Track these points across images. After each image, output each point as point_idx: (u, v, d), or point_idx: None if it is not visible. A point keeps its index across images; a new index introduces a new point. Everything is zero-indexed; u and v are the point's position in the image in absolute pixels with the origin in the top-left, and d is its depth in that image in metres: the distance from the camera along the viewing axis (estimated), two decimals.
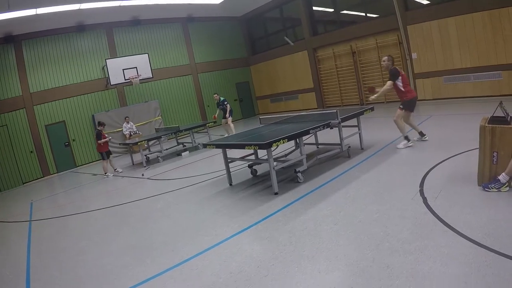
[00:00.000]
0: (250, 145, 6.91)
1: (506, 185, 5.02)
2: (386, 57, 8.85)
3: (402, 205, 5.39)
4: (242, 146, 7.16)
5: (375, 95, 8.65)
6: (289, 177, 7.97)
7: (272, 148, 6.84)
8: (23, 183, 16.31)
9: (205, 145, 8.35)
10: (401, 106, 8.64)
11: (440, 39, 14.76)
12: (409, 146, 8.54)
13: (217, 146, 8.14)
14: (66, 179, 15.47)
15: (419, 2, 15.71)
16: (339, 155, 8.97)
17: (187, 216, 7.12)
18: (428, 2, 15.44)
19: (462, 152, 7.22)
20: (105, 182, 12.62)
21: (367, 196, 6.10)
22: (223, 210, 6.93)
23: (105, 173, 13.41)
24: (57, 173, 17.52)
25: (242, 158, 8.52)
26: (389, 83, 8.56)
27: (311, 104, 21.70)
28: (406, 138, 8.63)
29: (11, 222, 9.53)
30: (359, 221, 5.17)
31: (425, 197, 5.44)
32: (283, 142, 6.90)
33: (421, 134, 8.88)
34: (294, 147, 9.67)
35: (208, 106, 23.18)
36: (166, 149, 15.03)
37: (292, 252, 4.64)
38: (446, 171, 6.49)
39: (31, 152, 16.88)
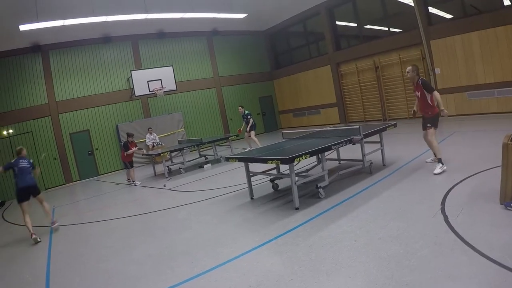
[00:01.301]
0: (273, 159, 6.95)
1: None
2: (410, 67, 8.20)
3: (423, 222, 5.35)
4: (264, 161, 7.21)
5: (444, 112, 7.90)
6: (311, 192, 7.97)
7: (294, 163, 6.86)
8: (46, 189, 16.59)
9: (227, 159, 8.42)
10: (429, 124, 8.03)
11: (464, 54, 14.66)
12: (445, 171, 7.76)
13: (240, 160, 8.22)
14: (89, 187, 15.70)
15: (442, 17, 15.67)
16: (361, 171, 8.93)
17: (207, 228, 7.16)
18: (451, 16, 15.36)
19: (485, 170, 7.14)
20: (127, 191, 12.79)
21: (388, 213, 6.07)
22: (243, 224, 6.97)
23: (133, 181, 13.63)
24: (79, 180, 17.83)
25: (264, 172, 8.55)
26: (436, 93, 7.94)
27: (333, 119, 21.68)
28: (440, 160, 7.88)
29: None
30: (379, 238, 5.15)
31: (446, 215, 5.40)
32: (305, 158, 6.93)
33: (441, 161, 7.94)
34: (316, 162, 9.67)
35: (231, 119, 23.34)
36: (188, 161, 15.14)
37: (312, 267, 4.64)
38: (468, 188, 6.43)
39: (55, 159, 17.25)
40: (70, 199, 13.55)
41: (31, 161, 9.23)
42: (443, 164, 7.82)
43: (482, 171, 7.16)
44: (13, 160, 9.03)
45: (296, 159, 6.71)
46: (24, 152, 9.31)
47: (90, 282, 5.52)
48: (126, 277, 5.45)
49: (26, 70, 16.85)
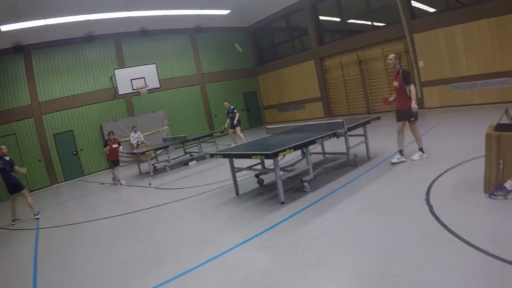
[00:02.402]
0: (257, 155, 6.92)
1: None
2: (393, 55, 8.12)
3: (409, 214, 5.37)
4: (248, 156, 7.18)
5: (414, 106, 7.79)
6: (296, 187, 7.96)
7: (279, 158, 6.83)
8: (31, 191, 16.29)
9: (212, 155, 8.37)
10: (412, 118, 7.97)
11: (447, 47, 14.76)
12: (423, 157, 8.13)
13: (224, 156, 8.17)
14: (74, 188, 15.55)
15: (425, 10, 15.75)
16: (345, 164, 8.95)
17: (193, 225, 7.11)
18: (434, 10, 15.45)
19: (469, 160, 7.18)
20: (112, 191, 12.68)
21: (373, 205, 6.08)
22: (229, 220, 6.94)
23: (118, 180, 13.50)
24: (64, 181, 17.64)
25: (249, 168, 8.52)
26: (412, 87, 7.84)
27: (318, 113, 21.73)
28: (421, 149, 8.24)
29: (19, 229, 9.57)
30: (365, 230, 5.16)
31: (432, 206, 5.42)
32: (290, 152, 6.91)
33: (402, 152, 8.34)
34: (300, 157, 9.66)
35: (216, 116, 23.28)
36: (173, 159, 15.06)
37: (298, 261, 4.62)
38: (452, 179, 6.46)
39: (39, 160, 17.02)
40: (56, 201, 13.39)
41: (8, 158, 9.40)
42: (423, 153, 8.19)
43: (466, 161, 7.20)
44: None
45: (281, 153, 6.67)
46: (3, 150, 9.59)
47: (76, 284, 5.44)
48: (112, 277, 5.38)
49: (8, 71, 16.57)
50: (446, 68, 15.02)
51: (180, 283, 4.74)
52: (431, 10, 15.62)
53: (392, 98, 8.53)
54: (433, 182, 6.47)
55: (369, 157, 9.23)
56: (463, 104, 14.53)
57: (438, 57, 15.17)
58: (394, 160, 8.21)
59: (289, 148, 6.85)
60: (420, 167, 7.66)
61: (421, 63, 15.78)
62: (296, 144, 7.13)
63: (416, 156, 8.17)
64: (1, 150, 10.04)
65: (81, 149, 18.33)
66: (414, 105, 7.78)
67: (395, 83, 8.14)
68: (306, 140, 7.40)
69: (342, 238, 5.07)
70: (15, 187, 10.36)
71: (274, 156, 6.57)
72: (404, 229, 4.91)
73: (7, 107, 16.48)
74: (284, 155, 6.81)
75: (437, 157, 8.06)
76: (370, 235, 4.97)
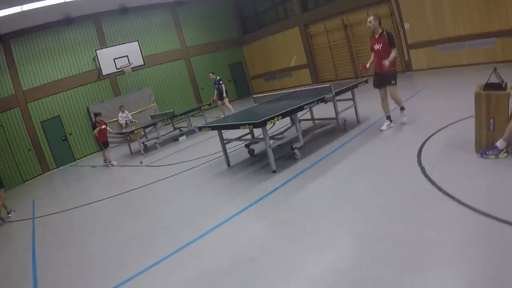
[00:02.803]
0: (245, 124, 6.86)
1: (504, 151, 4.97)
2: (372, 17, 7.65)
3: (401, 175, 5.38)
4: (237, 127, 7.13)
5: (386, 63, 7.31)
6: (287, 155, 7.94)
7: (268, 127, 6.78)
8: (24, 181, 16.28)
9: (200, 128, 8.31)
10: (393, 81, 7.62)
11: (433, 7, 14.53)
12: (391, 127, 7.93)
13: (212, 128, 8.09)
14: (66, 174, 15.47)
15: None
16: (335, 130, 8.91)
17: (187, 200, 7.13)
18: None
19: (459, 120, 7.13)
20: (104, 173, 12.64)
21: (365, 168, 6.09)
22: (222, 192, 6.95)
23: (109, 162, 13.42)
24: (56, 168, 17.49)
25: (238, 139, 8.47)
26: (395, 51, 7.46)
27: (305, 80, 21.58)
28: (403, 108, 7.95)
29: (14, 221, 9.53)
30: (359, 193, 5.17)
31: (423, 167, 5.40)
32: (278, 120, 6.85)
33: (389, 118, 8.11)
34: (290, 124, 9.62)
35: (203, 89, 23.07)
36: (163, 135, 14.99)
37: (294, 228, 4.65)
38: (443, 140, 6.43)
39: (29, 149, 16.81)
40: (49, 188, 13.33)
41: None
42: (404, 109, 7.97)
43: (456, 121, 7.13)
44: None
45: (269, 121, 6.62)
46: None
47: (77, 269, 5.44)
48: (111, 259, 5.40)
49: None
50: (432, 30, 14.82)
51: (177, 258, 4.76)
52: None
53: (368, 65, 7.90)
54: (423, 143, 6.44)
55: (358, 121, 9.19)
56: (450, 65, 14.38)
57: (424, 18, 14.95)
58: (384, 127, 7.98)
59: (277, 116, 6.79)
60: (410, 129, 7.62)
61: (407, 25, 15.60)
62: (284, 111, 7.06)
63: (404, 118, 7.92)
64: None
65: (70, 134, 18.12)
66: (386, 61, 7.31)
67: (377, 46, 7.69)
68: (294, 107, 7.33)
69: (336, 202, 5.09)
70: None
71: (262, 124, 6.52)
72: (397, 190, 4.93)
73: None
74: (273, 123, 6.77)
75: (426, 119, 8.02)
76: (364, 198, 4.98)
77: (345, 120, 8.73)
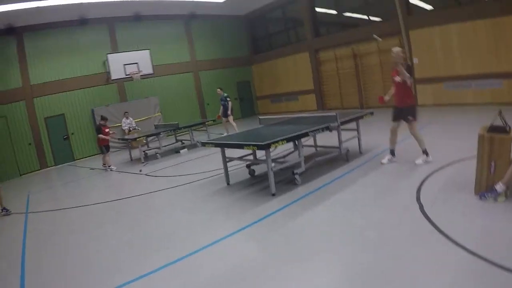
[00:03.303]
0: (249, 145, 6.89)
1: (503, 195, 5.01)
2: (397, 50, 7.41)
3: (399, 211, 5.40)
4: (241, 146, 7.14)
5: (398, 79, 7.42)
6: (287, 179, 7.96)
7: (271, 149, 6.82)
8: (20, 175, 16.29)
9: (204, 144, 8.34)
10: (410, 117, 7.39)
11: (442, 45, 14.76)
12: (428, 161, 7.48)
13: (216, 145, 8.14)
14: (64, 172, 15.46)
15: (422, 7, 15.72)
16: (337, 158, 8.95)
17: (183, 214, 7.12)
18: (431, 8, 15.43)
19: (461, 160, 7.20)
20: (102, 176, 12.63)
21: (364, 201, 6.12)
22: (219, 210, 6.93)
23: (109, 166, 13.41)
24: (54, 165, 17.52)
25: (240, 158, 8.50)
26: (408, 76, 7.26)
27: (310, 106, 21.73)
28: (425, 151, 7.57)
29: (7, 215, 9.48)
30: (355, 226, 5.18)
31: (422, 204, 5.43)
32: (282, 144, 6.91)
33: (393, 153, 8.06)
34: (292, 149, 9.65)
35: (208, 104, 23.20)
36: (165, 146, 15.00)
37: (287, 254, 4.65)
38: (443, 178, 6.47)
39: (30, 144, 16.88)
40: (46, 185, 13.31)
41: None
42: (428, 155, 7.52)
43: (458, 161, 7.21)
44: None
45: (273, 145, 6.68)
46: None
47: (65, 270, 5.41)
48: (101, 265, 5.36)
49: None
50: (440, 66, 15.02)
51: (168, 271, 4.73)
52: (428, 7, 15.59)
53: (388, 97, 7.87)
54: (424, 180, 6.49)
55: (361, 152, 9.25)
56: (456, 103, 14.56)
57: (433, 55, 15.16)
58: (384, 161, 7.96)
59: (282, 140, 6.85)
60: (411, 164, 7.62)
61: (415, 60, 15.78)
62: (288, 136, 7.11)
63: (419, 160, 7.51)
64: None
65: (72, 134, 18.20)
66: (398, 77, 7.34)
67: (397, 78, 7.47)
68: (299, 133, 7.39)
69: (331, 232, 5.09)
70: None
71: (266, 147, 6.56)
72: (394, 226, 4.94)
73: None
74: (276, 147, 6.81)
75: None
76: (360, 231, 4.99)
77: (347, 150, 8.78)
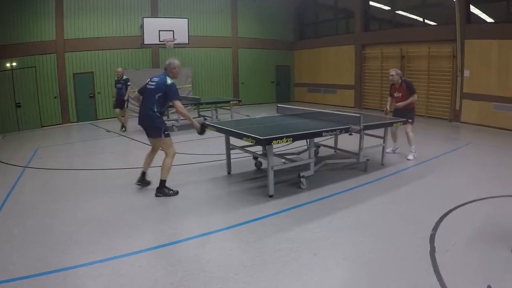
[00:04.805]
0: (248, 137, 5.99)
1: None
2: (394, 71, 8.96)
3: (404, 250, 4.41)
4: (240, 136, 6.29)
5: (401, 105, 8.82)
6: (293, 179, 7.06)
7: (282, 144, 6.00)
8: (42, 126, 16.07)
9: (207, 126, 7.51)
10: (410, 120, 8.73)
11: (498, 61, 13.36)
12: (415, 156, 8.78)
13: (218, 129, 7.30)
14: (82, 131, 15.17)
15: (482, 18, 14.32)
16: (354, 166, 8.01)
17: (164, 199, 6.40)
18: (492, 21, 14.04)
19: (500, 196, 6.05)
20: (114, 141, 12.34)
21: (368, 226, 5.16)
22: (208, 201, 6.31)
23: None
24: (76, 122, 17.22)
25: (242, 148, 7.58)
26: (414, 95, 8.88)
27: (348, 102, 20.63)
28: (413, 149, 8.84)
29: (8, 164, 9.19)
30: (345, 257, 4.28)
31: (434, 247, 4.38)
32: (286, 141, 6.02)
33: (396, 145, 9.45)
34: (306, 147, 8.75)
35: (243, 83, 22.43)
36: (183, 119, 14.35)
37: (260, 268, 3.98)
38: (472, 217, 5.36)
39: (55, 97, 16.61)
40: (57, 141, 12.86)
41: None
42: (414, 152, 8.83)
43: (495, 196, 6.05)
44: None
45: (275, 141, 5.78)
46: None
47: (28, 237, 4.95)
48: (60, 239, 4.85)
49: (37, 4, 15.97)
50: (493, 84, 13.61)
51: (124, 262, 4.13)
52: (489, 20, 14.19)
53: (388, 106, 9.30)
54: (446, 214, 5.41)
55: (382, 164, 8.24)
56: (502, 127, 13.19)
57: (486, 70, 13.76)
58: (389, 150, 8.99)
59: (287, 137, 5.96)
60: (439, 189, 6.61)
61: (467, 73, 14.46)
62: (295, 133, 6.24)
63: (410, 156, 8.78)
64: None
65: (99, 93, 17.83)
66: (402, 104, 8.75)
67: (397, 94, 8.93)
68: (310, 131, 6.50)
69: (314, 260, 4.20)
70: None
71: (266, 143, 5.72)
72: (392, 269, 4.01)
73: (32, 39, 15.93)
74: (278, 142, 5.89)
75: (460, 182, 7.03)
76: (349, 265, 4.13)
77: (367, 160, 7.78)
